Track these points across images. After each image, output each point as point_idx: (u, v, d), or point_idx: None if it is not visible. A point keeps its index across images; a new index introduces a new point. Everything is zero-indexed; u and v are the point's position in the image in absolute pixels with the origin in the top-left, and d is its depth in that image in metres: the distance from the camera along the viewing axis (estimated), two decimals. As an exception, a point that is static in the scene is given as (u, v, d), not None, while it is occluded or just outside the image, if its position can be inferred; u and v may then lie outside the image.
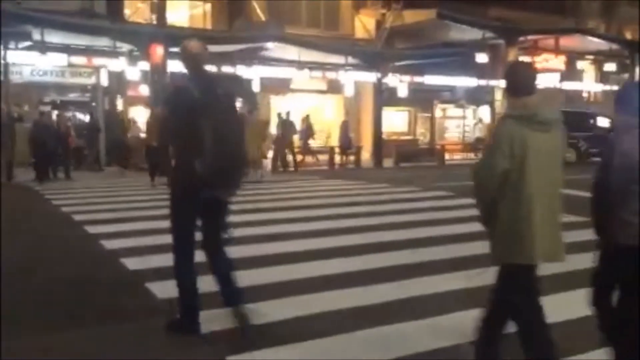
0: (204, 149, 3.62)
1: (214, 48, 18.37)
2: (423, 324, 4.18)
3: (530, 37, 23.43)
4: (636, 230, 2.93)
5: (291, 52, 19.29)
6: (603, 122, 22.43)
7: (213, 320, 3.96)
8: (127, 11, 19.87)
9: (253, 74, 19.12)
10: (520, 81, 3.11)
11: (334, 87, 21.95)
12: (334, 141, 21.31)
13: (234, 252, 6.24)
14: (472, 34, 22.07)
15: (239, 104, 19.30)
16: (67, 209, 9.51)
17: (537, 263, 3.06)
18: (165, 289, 4.45)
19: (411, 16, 22.15)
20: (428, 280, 5.28)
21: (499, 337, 3.21)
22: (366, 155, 20.97)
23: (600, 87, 27.60)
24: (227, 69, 18.49)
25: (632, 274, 3.01)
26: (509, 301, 3.14)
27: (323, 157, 19.66)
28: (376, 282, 5.15)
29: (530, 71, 3.21)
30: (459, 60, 21.54)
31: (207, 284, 3.96)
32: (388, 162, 19.76)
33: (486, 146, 3.25)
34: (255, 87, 19.38)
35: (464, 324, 3.66)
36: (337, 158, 19.69)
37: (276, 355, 3.70)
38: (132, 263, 5.83)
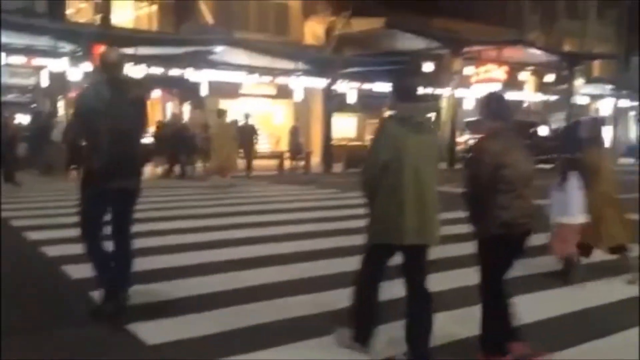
0: (99, 146, 4.11)
1: (160, 50, 18.10)
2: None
3: (474, 48, 24.04)
4: (500, 220, 3.45)
5: (241, 56, 19.15)
6: (543, 131, 23.27)
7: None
8: (69, 11, 19.25)
9: (201, 77, 18.86)
10: (404, 89, 3.63)
11: (284, 93, 21.92)
12: (284, 146, 21.25)
13: (185, 258, 6.14)
14: (419, 43, 22.47)
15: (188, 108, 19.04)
16: (5, 213, 9.08)
17: (405, 243, 3.48)
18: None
19: (360, 24, 22.35)
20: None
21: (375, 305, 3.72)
22: (316, 160, 21.00)
23: (540, 98, 28.59)
24: (174, 71, 18.19)
25: (501, 258, 3.56)
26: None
27: (272, 162, 19.55)
28: (326, 289, 5.12)
29: (414, 81, 3.75)
30: (406, 68, 21.88)
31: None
32: (338, 167, 19.85)
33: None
34: (204, 91, 19.12)
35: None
36: (287, 163, 19.62)
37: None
38: (74, 270, 5.59)
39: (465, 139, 22.12)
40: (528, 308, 4.70)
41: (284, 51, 20.93)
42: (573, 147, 5.74)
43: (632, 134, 32.34)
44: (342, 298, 4.21)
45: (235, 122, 15.70)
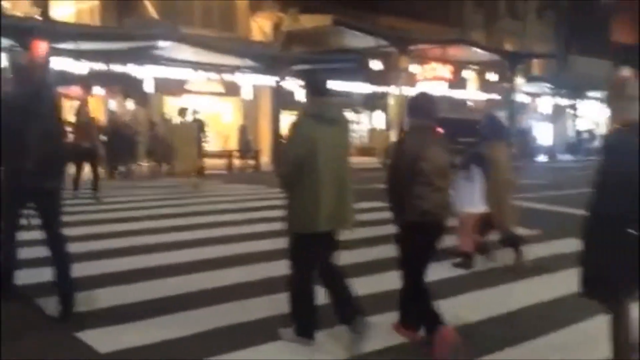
0: (19, 145, 4.18)
1: (103, 45, 17.49)
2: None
3: (420, 46, 24.40)
4: (419, 209, 3.71)
5: (186, 52, 18.74)
6: (487, 128, 23.77)
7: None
8: (5, 4, 18.34)
9: (146, 73, 18.35)
10: (315, 85, 3.84)
11: (232, 90, 21.62)
12: (233, 145, 20.96)
13: (135, 262, 5.92)
14: (367, 41, 22.63)
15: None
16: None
17: (322, 230, 3.70)
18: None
19: (308, 21, 22.32)
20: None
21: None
22: (265, 158, 20.83)
23: (483, 96, 29.30)
24: (117, 67, 17.63)
25: (418, 245, 3.84)
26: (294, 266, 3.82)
27: (221, 161, 19.25)
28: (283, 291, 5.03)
29: (323, 77, 3.91)
30: (354, 66, 21.99)
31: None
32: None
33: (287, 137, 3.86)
34: (149, 88, 18.63)
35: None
36: (237, 162, 19.38)
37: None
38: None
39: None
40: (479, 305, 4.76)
41: (231, 47, 20.62)
42: (479, 141, 6.19)
43: (570, 132, 33.58)
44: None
45: (200, 121, 15.21)
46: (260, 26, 23.53)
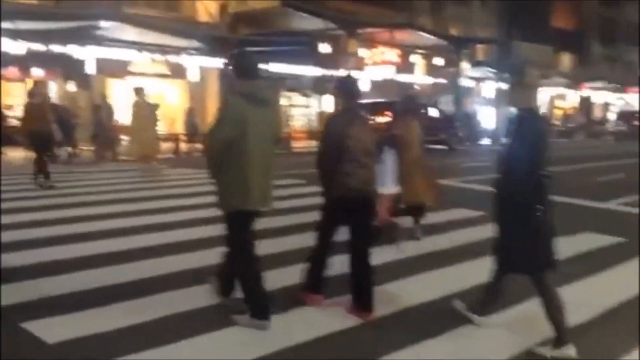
0: None
1: (41, 25, 16.73)
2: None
3: (368, 30, 24.46)
4: (346, 185, 3.98)
5: (130, 32, 18.15)
6: (433, 112, 24.19)
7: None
8: None
9: (87, 54, 17.68)
10: (245, 67, 3.91)
11: (178, 72, 21.12)
12: (179, 128, 20.55)
13: (81, 249, 5.74)
14: (315, 23, 22.49)
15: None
16: None
17: (253, 209, 3.85)
18: None
19: (255, 2, 22.00)
20: (291, 269, 5.22)
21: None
22: (213, 142, 20.48)
23: (429, 80, 29.72)
24: (57, 48, 16.91)
25: (340, 217, 4.12)
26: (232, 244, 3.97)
27: (168, 145, 18.84)
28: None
29: (253, 59, 3.98)
30: (304, 49, 21.86)
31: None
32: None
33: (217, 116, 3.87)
34: (90, 69, 17.97)
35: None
36: (183, 146, 19.01)
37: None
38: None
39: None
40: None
41: (177, 28, 20.11)
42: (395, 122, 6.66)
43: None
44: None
45: (157, 103, 14.72)
46: (206, 7, 23.03)
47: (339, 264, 4.38)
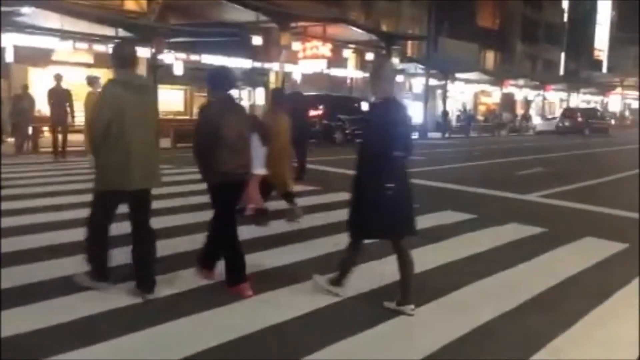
0: None
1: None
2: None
3: (300, 24, 24.43)
4: (221, 171, 4.27)
5: (52, 19, 17.31)
6: (365, 106, 24.52)
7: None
8: None
9: (6, 41, 16.74)
10: (121, 57, 4.21)
11: (103, 61, 20.32)
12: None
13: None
14: (247, 15, 22.24)
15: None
16: None
17: (132, 188, 4.16)
18: None
19: (186, -8, 21.53)
20: (257, 256, 5.16)
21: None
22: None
23: (361, 75, 30.06)
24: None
25: (224, 200, 4.46)
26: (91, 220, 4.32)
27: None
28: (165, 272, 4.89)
29: (129, 49, 4.32)
30: (235, 41, 21.58)
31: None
32: (165, 142, 18.99)
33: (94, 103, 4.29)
34: (9, 57, 17.04)
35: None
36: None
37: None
38: None
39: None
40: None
41: (102, 16, 19.35)
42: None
43: (439, 111, 35.45)
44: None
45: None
46: (134, -5, 22.32)
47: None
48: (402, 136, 4.11)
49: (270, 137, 5.70)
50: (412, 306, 4.10)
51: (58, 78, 13.25)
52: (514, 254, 5.78)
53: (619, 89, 58.43)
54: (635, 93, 62.32)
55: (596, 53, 65.29)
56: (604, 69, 64.50)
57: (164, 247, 4.94)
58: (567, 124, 38.57)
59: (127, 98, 4.08)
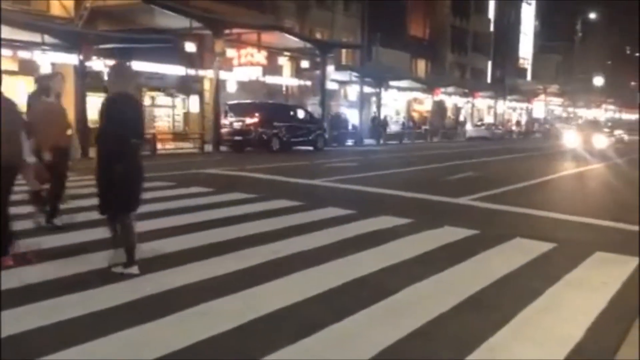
0: None
1: None
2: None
3: (235, 31, 24.27)
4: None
5: (-28, 24, 16.45)
6: (301, 113, 24.60)
7: None
8: None
9: None
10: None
11: (28, 69, 19.47)
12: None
13: None
14: (180, 22, 21.91)
15: None
16: None
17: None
18: None
19: (115, -1, 20.99)
20: (174, 271, 5.04)
21: None
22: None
23: (296, 82, 30.17)
24: None
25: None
26: None
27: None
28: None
29: None
30: (168, 48, 21.20)
31: None
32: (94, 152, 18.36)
33: None
34: None
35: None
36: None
37: None
38: None
39: (229, 121, 22.27)
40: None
41: (27, 22, 18.55)
42: None
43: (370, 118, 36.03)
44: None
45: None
46: (61, 1, 21.52)
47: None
48: (134, 125, 4.96)
49: (34, 132, 6.13)
50: (136, 267, 4.90)
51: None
52: (448, 256, 5.91)
53: (542, 96, 61.26)
54: (558, 100, 65.64)
55: (521, 61, 68.21)
56: (529, 77, 67.47)
57: None
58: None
59: None
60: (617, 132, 26.58)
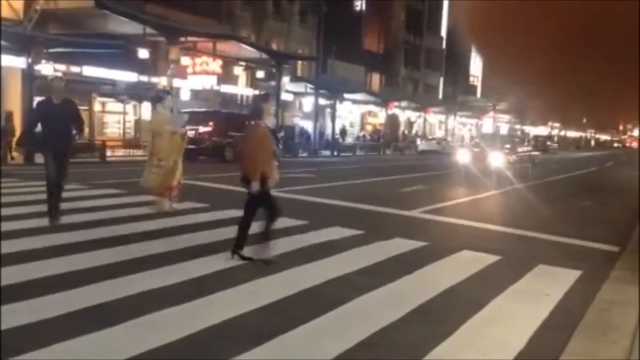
0: None
1: None
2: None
3: (190, 39, 24.06)
4: None
5: None
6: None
7: None
8: None
9: None
10: None
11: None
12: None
13: None
14: (133, 27, 21.55)
15: None
16: None
17: None
18: None
19: (66, 1, 20.48)
20: (139, 277, 4.94)
21: None
22: (18, 150, 18.53)
23: (251, 92, 30.08)
24: None
25: None
26: None
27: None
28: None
29: None
30: (120, 54, 20.84)
31: None
32: (40, 158, 17.80)
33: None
34: None
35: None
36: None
37: None
38: None
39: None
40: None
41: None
42: None
43: (329, 130, 36.30)
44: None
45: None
46: (10, 2, 20.88)
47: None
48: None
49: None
50: None
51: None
52: (398, 267, 6.00)
53: (491, 113, 62.98)
54: (506, 116, 67.54)
55: (471, 79, 69.99)
56: (479, 94, 69.27)
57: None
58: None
59: None
60: (522, 149, 21.39)
